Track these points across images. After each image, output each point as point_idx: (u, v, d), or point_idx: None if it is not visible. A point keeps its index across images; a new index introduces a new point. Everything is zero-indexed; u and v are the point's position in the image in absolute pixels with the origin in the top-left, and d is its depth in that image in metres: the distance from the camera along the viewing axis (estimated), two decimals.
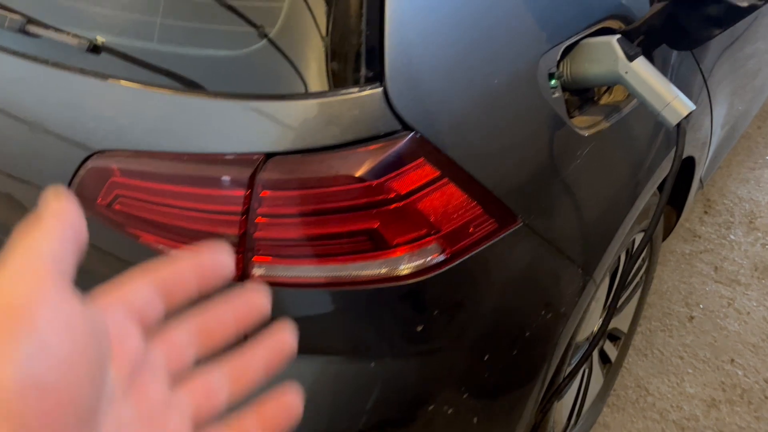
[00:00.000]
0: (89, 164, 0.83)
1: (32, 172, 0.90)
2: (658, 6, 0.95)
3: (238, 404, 0.33)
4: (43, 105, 0.86)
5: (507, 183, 0.86)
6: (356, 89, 0.75)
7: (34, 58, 0.86)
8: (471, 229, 0.84)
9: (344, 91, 0.75)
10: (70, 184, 0.86)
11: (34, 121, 0.86)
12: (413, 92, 0.76)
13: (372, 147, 0.75)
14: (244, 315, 0.34)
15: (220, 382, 0.32)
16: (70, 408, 0.24)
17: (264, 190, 0.76)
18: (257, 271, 0.80)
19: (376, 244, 0.79)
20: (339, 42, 0.74)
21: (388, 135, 0.76)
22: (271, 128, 0.76)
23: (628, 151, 1.06)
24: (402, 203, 0.77)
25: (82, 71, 0.83)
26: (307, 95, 0.75)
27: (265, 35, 0.75)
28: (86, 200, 0.86)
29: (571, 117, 0.97)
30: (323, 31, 0.75)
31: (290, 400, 0.34)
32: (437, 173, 0.79)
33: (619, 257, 1.27)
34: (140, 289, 0.30)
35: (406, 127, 0.76)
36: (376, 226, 0.78)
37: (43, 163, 0.88)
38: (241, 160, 0.76)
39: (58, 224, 0.27)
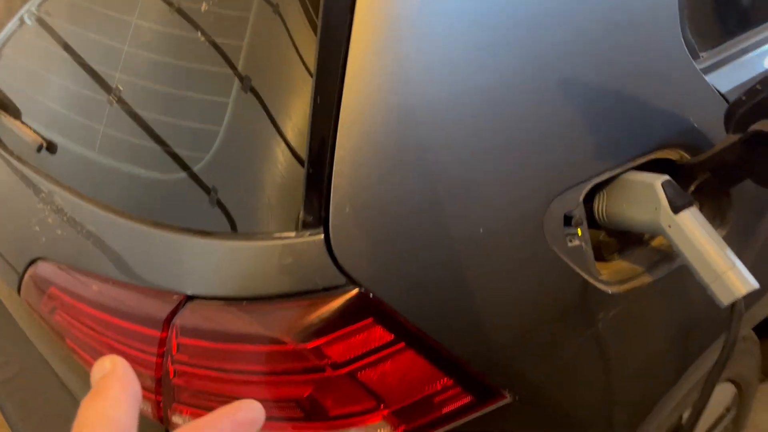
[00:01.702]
0: (33, 269, 0.78)
1: None
2: (731, 138, 0.74)
3: None
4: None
5: (489, 351, 0.69)
6: (292, 234, 0.62)
7: None
8: (435, 403, 0.68)
9: (278, 234, 0.62)
10: (19, 286, 0.81)
11: None
12: (365, 240, 0.62)
13: (306, 303, 0.63)
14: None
15: None
16: None
17: (181, 336, 0.65)
18: (177, 420, 0.70)
19: (309, 414, 0.66)
20: (276, 177, 0.62)
21: (327, 290, 0.63)
22: (196, 267, 0.65)
23: (676, 313, 0.84)
24: (339, 372, 0.63)
25: (35, 169, 0.77)
26: (236, 235, 0.64)
27: (195, 162, 0.65)
28: (32, 303, 0.80)
29: (606, 261, 0.79)
30: (259, 163, 0.63)
31: None
32: (391, 337, 0.64)
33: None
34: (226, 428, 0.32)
35: (352, 282, 0.62)
36: (305, 395, 0.64)
37: (2, 261, 0.84)
38: (161, 297, 0.66)
39: (123, 394, 0.31)
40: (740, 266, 0.67)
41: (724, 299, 0.67)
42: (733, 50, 0.86)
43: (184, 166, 0.66)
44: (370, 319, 0.63)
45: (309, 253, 0.62)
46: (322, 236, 0.61)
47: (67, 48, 0.76)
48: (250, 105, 0.63)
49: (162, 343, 0.66)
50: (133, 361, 0.69)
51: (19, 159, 0.79)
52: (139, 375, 0.69)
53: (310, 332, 0.62)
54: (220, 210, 0.64)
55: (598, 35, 0.71)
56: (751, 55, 0.89)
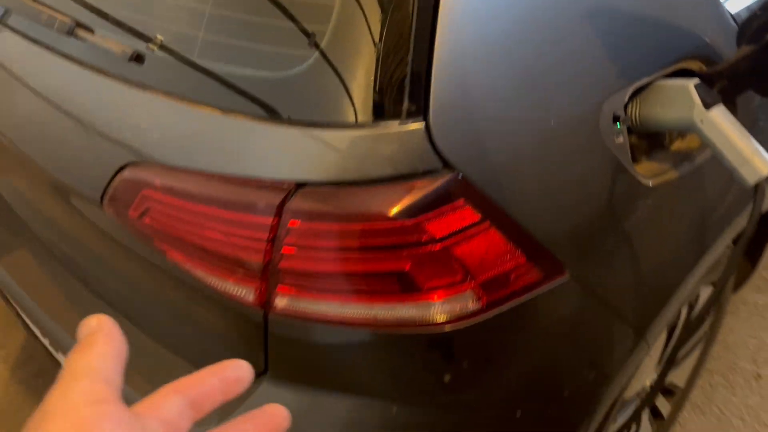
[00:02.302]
0: (124, 174, 0.82)
1: (73, 178, 0.90)
2: (745, 49, 0.86)
3: None
4: (85, 110, 0.85)
5: (557, 231, 0.79)
6: (397, 123, 0.70)
7: (80, 62, 0.85)
8: (512, 278, 0.78)
9: (384, 123, 0.70)
10: (104, 193, 0.85)
11: (74, 125, 0.86)
12: (459, 129, 0.71)
13: (409, 185, 0.70)
14: (231, 385, 0.38)
15: None
16: None
17: (292, 220, 0.72)
18: (280, 302, 0.77)
19: (405, 287, 0.74)
20: (383, 72, 0.70)
21: (428, 173, 0.71)
22: (305, 156, 0.71)
23: (698, 204, 0.97)
24: (437, 246, 0.72)
25: (125, 80, 0.81)
26: (345, 125, 0.71)
27: (305, 60, 0.71)
28: (119, 209, 0.84)
29: (637, 162, 0.90)
30: (367, 59, 0.70)
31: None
32: (478, 217, 0.73)
33: (680, 312, 1.17)
34: (173, 402, 0.34)
35: (448, 166, 0.71)
36: (406, 268, 0.72)
37: (81, 168, 0.87)
38: (271, 186, 0.72)
39: (109, 347, 0.33)
40: (763, 152, 0.80)
41: (751, 179, 0.79)
42: None
43: (292, 64, 0.72)
44: (461, 200, 0.72)
45: (411, 140, 0.70)
46: (423, 125, 0.69)
47: None
48: (355, 6, 0.70)
49: (273, 229, 0.73)
50: (240, 249, 0.76)
51: (104, 72, 0.82)
52: (246, 263, 0.76)
53: (414, 210, 0.70)
54: (329, 103, 0.71)
55: None
56: None
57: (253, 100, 0.74)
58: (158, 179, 0.78)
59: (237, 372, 0.37)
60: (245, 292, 0.78)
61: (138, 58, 0.80)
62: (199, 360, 0.93)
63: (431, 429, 0.84)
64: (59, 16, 0.84)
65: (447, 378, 0.80)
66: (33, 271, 1.14)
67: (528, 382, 0.85)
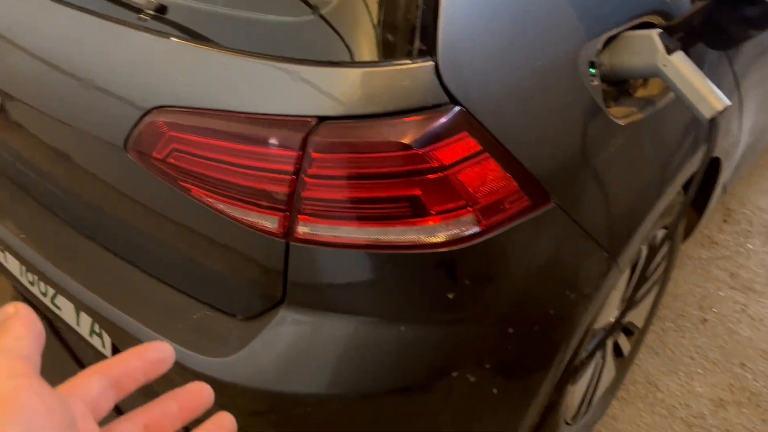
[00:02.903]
0: (147, 119, 0.88)
1: (94, 124, 0.95)
2: (698, 5, 0.98)
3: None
4: (107, 60, 0.91)
5: (543, 163, 0.90)
6: (409, 61, 0.78)
7: (102, 15, 0.90)
8: (506, 205, 0.88)
9: (397, 62, 0.79)
10: (128, 137, 0.90)
11: (98, 75, 0.91)
12: (462, 68, 0.80)
13: (419, 117, 0.79)
14: (189, 408, 0.39)
15: None
16: None
17: (315, 152, 0.80)
18: (302, 229, 0.85)
19: (416, 211, 0.83)
20: (395, 15, 0.78)
21: (436, 107, 0.80)
22: (325, 94, 0.80)
23: (659, 145, 1.10)
24: (444, 173, 0.81)
25: (147, 29, 0.87)
26: (361, 63, 0.79)
27: (323, 5, 0.79)
28: (143, 153, 0.90)
29: (608, 107, 1.01)
30: (380, 3, 0.78)
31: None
32: (479, 148, 0.83)
33: (641, 251, 1.30)
34: (95, 382, 0.35)
35: (453, 101, 0.80)
36: (418, 193, 0.81)
37: (104, 115, 0.93)
38: (294, 122, 0.80)
39: (25, 331, 0.33)
40: (717, 91, 0.92)
41: (707, 114, 0.92)
42: None
43: (314, 8, 0.80)
44: (465, 132, 0.81)
45: (422, 76, 0.79)
46: (432, 63, 0.78)
47: None
48: None
49: (298, 161, 0.80)
50: (266, 182, 0.84)
51: (129, 23, 0.88)
52: (270, 194, 0.83)
53: (425, 140, 0.79)
54: (348, 45, 0.79)
55: None
56: None
57: (276, 43, 0.82)
58: (185, 120, 0.85)
59: (159, 353, 0.38)
60: (269, 222, 0.85)
61: (161, 9, 0.86)
62: (219, 298, 1.00)
63: (435, 344, 0.93)
64: None
65: (451, 296, 0.90)
66: (38, 226, 1.18)
67: (519, 300, 0.96)
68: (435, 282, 0.89)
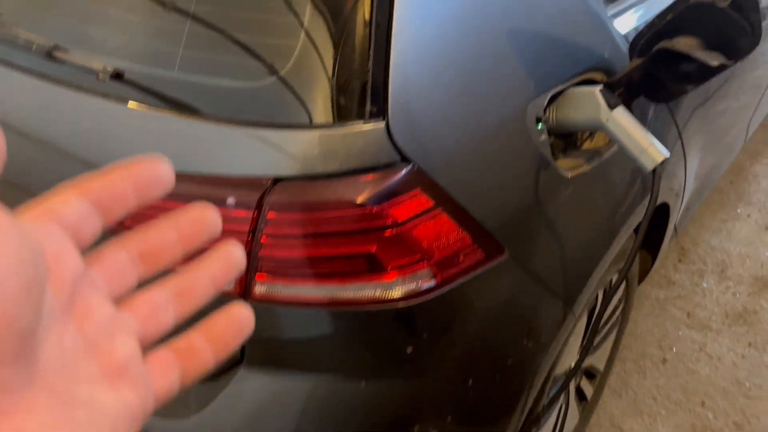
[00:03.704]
0: None
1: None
2: (636, 61, 1.04)
3: (187, 322, 0.32)
4: (65, 127, 0.91)
5: (495, 216, 0.92)
6: (361, 122, 0.81)
7: (59, 82, 0.91)
8: (461, 258, 0.90)
9: (350, 123, 0.81)
10: None
11: (55, 141, 0.92)
12: (413, 127, 0.83)
13: (373, 176, 0.82)
14: (191, 234, 0.32)
15: (166, 300, 0.31)
16: (6, 330, 0.22)
17: (271, 212, 0.81)
18: (259, 289, 0.85)
19: (372, 267, 0.84)
20: (347, 79, 0.81)
21: (388, 166, 0.82)
22: (280, 155, 0.81)
23: (607, 194, 1.14)
24: (399, 229, 0.83)
25: (104, 95, 0.88)
26: (315, 126, 0.81)
27: (278, 70, 0.82)
28: None
29: (556, 159, 1.05)
30: (333, 69, 0.81)
31: (240, 314, 0.33)
32: (432, 203, 0.85)
33: (597, 296, 1.33)
34: (74, 204, 0.27)
35: (405, 159, 0.82)
36: (373, 249, 0.83)
37: (59, 180, 0.93)
38: (250, 183, 0.82)
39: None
40: (657, 143, 0.96)
41: (649, 166, 0.96)
42: (629, 2, 1.18)
43: (268, 74, 0.82)
44: (418, 189, 0.84)
45: (374, 137, 0.81)
46: (383, 124, 0.81)
47: None
48: (321, 25, 0.82)
49: (253, 221, 0.82)
50: None
51: (86, 89, 0.89)
52: None
53: (378, 197, 0.81)
54: (302, 108, 0.82)
55: (546, 4, 0.98)
56: (643, 4, 1.22)
57: (229, 107, 0.83)
58: None
59: (153, 169, 0.30)
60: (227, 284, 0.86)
61: (118, 75, 0.87)
62: None
63: (396, 398, 0.94)
64: (36, 39, 0.90)
65: (409, 350, 0.91)
66: None
67: (477, 351, 0.97)
68: (394, 336, 0.90)
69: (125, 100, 0.87)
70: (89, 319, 0.27)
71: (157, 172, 0.30)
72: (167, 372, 0.30)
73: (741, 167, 2.89)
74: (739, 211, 2.63)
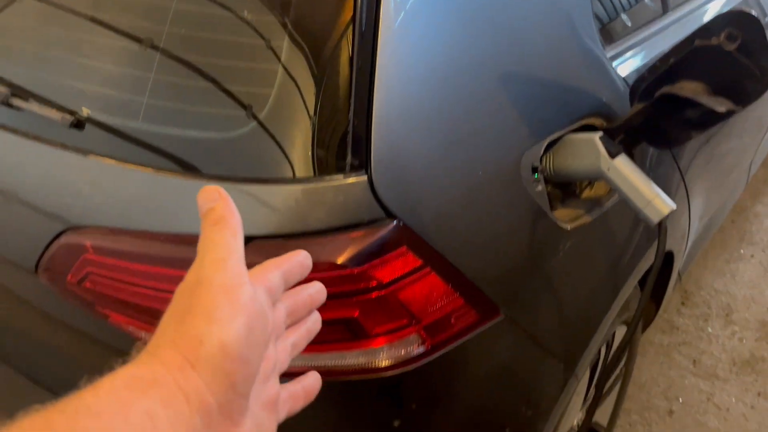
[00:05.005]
0: (62, 239, 0.81)
1: (2, 245, 0.87)
2: (638, 107, 0.97)
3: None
4: (22, 177, 0.84)
5: (489, 274, 0.85)
6: (341, 176, 0.74)
7: (15, 131, 0.84)
8: (452, 321, 0.82)
9: (329, 177, 0.74)
10: (40, 259, 0.83)
11: (10, 192, 0.84)
12: (398, 181, 0.76)
13: (355, 234, 0.74)
14: (313, 300, 0.49)
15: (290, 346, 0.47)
16: (248, 368, 0.35)
17: None
18: None
19: (355, 334, 0.77)
20: (326, 129, 0.74)
21: (372, 223, 0.75)
22: (254, 211, 0.74)
23: (609, 246, 1.06)
24: (383, 292, 0.75)
25: (63, 146, 0.81)
26: (292, 180, 0.74)
27: (251, 120, 0.75)
28: (56, 276, 0.83)
29: (554, 210, 0.98)
30: (311, 119, 0.75)
31: (315, 383, 0.51)
32: (419, 262, 0.78)
33: (600, 352, 1.25)
34: (275, 277, 0.43)
35: (390, 216, 0.75)
36: (355, 315, 0.75)
37: (14, 234, 0.86)
38: None
39: (236, 223, 0.40)
40: (662, 194, 0.90)
41: (654, 218, 0.89)
42: (630, 42, 1.12)
43: (239, 124, 0.75)
44: (404, 247, 0.77)
45: (355, 192, 0.74)
46: (366, 178, 0.74)
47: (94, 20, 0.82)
48: (298, 72, 0.75)
49: None
50: None
51: (44, 139, 0.82)
52: None
53: (361, 257, 0.74)
54: (276, 161, 0.75)
55: (539, 47, 0.92)
56: (644, 45, 1.16)
57: (198, 160, 0.77)
58: (103, 242, 0.78)
59: (305, 257, 0.48)
60: None
61: (78, 124, 0.81)
62: None
63: None
64: None
65: (396, 423, 0.82)
66: None
67: (472, 420, 0.89)
68: (379, 409, 0.82)
69: (86, 152, 0.80)
70: (267, 360, 0.41)
71: (307, 260, 0.48)
72: (295, 405, 0.47)
73: (743, 206, 2.83)
74: (742, 251, 2.56)
